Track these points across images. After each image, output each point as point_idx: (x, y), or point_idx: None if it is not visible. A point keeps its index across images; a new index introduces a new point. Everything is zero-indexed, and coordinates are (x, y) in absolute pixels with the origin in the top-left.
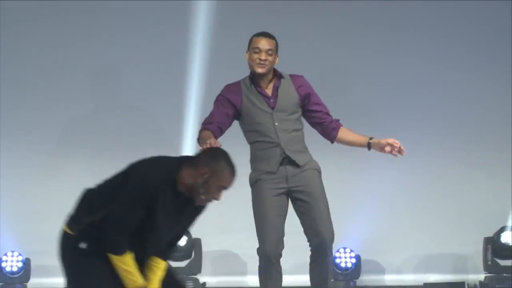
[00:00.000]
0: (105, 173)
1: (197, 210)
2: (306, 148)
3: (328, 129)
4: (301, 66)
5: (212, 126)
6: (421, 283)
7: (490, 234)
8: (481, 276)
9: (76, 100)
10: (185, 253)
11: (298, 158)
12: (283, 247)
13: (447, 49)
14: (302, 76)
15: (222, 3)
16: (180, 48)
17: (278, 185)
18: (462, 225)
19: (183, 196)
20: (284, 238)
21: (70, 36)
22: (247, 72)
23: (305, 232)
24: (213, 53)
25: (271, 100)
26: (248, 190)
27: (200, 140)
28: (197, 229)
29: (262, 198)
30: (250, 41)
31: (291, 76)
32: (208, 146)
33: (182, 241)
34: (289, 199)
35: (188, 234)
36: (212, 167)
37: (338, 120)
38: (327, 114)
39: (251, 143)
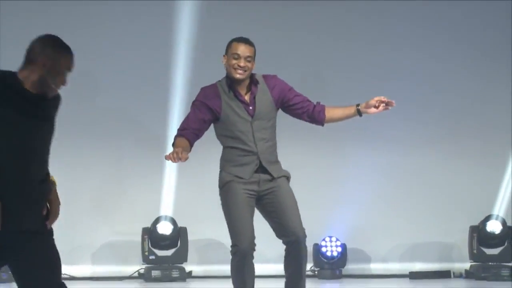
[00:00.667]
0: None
1: (53, 107)
2: (277, 158)
3: (315, 114)
4: (283, 62)
5: (187, 132)
6: (406, 272)
7: (476, 223)
8: (467, 265)
9: None
10: (171, 242)
11: (273, 169)
12: (255, 245)
13: (439, 44)
14: (275, 76)
15: (206, 3)
16: (164, 47)
17: (250, 186)
18: (448, 214)
19: (33, 97)
20: (269, 229)
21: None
22: None
23: (277, 230)
24: (198, 52)
25: (250, 108)
26: None
27: (174, 146)
28: (183, 218)
29: (235, 197)
30: (229, 45)
31: (264, 77)
32: (174, 155)
33: (168, 230)
34: (257, 203)
35: (174, 223)
36: (50, 55)
37: (319, 103)
38: (308, 101)
39: (226, 146)
